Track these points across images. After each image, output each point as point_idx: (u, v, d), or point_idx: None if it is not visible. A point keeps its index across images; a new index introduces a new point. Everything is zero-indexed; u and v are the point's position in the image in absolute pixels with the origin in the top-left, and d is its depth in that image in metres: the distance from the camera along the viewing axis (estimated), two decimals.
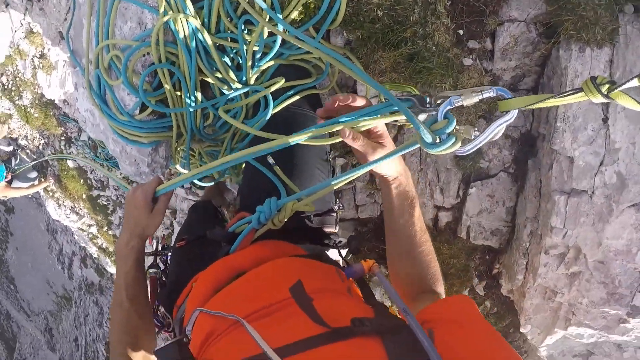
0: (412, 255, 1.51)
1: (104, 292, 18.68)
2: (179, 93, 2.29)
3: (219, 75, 2.24)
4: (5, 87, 7.44)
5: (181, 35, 2.12)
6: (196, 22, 2.10)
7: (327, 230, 1.98)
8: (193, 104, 2.28)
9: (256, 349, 1.01)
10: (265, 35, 2.13)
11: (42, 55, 6.04)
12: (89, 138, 6.80)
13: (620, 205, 2.09)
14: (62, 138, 7.50)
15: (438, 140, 1.13)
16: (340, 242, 1.88)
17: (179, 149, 2.61)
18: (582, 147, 2.09)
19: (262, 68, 2.27)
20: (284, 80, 2.20)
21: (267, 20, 2.02)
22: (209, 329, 1.26)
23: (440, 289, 1.49)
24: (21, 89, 7.21)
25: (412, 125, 1.20)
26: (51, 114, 7.17)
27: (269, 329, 1.10)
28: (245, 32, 2.17)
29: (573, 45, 2.02)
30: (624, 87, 0.84)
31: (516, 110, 1.09)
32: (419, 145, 1.20)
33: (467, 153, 1.16)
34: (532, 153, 2.44)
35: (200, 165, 2.74)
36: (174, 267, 2.20)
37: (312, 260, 1.56)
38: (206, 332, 1.25)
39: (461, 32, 2.12)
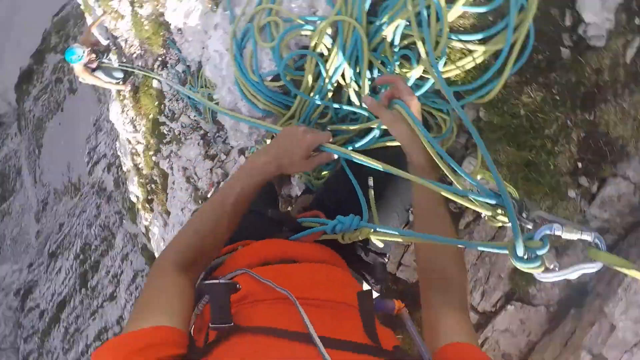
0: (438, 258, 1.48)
1: (110, 202, 18.94)
2: (313, 83, 2.31)
3: (355, 87, 2.25)
4: None
5: (343, 38, 2.14)
6: (362, 34, 2.10)
7: (376, 270, 1.98)
8: (320, 99, 2.30)
9: (300, 327, 1.06)
10: (416, 77, 2.12)
11: None
12: (182, 71, 6.91)
13: None
14: (159, 59, 7.60)
15: (526, 257, 1.11)
16: (374, 282, 1.89)
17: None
18: (628, 322, 2.00)
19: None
20: None
21: (430, 69, 1.99)
22: (249, 290, 1.27)
23: (460, 311, 1.36)
24: (145, 1, 7.35)
25: (497, 224, 1.27)
26: (161, 34, 7.24)
27: (319, 318, 1.11)
28: (398, 63, 2.17)
29: None
30: None
31: (602, 263, 1.04)
32: (505, 252, 1.17)
33: (542, 280, 1.12)
34: (578, 304, 2.35)
35: None
36: None
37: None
38: (245, 292, 1.26)
39: (579, 164, 2.06)
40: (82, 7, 10.46)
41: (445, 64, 2.09)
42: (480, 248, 1.36)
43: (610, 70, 1.83)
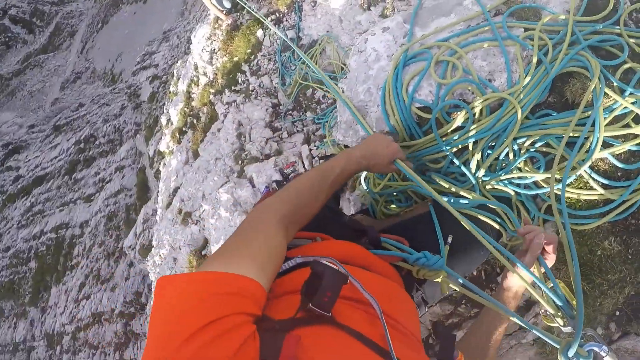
0: None
1: (136, 110, 19.07)
2: (449, 132, 2.49)
3: (478, 157, 2.48)
4: None
5: (502, 114, 2.37)
6: (519, 122, 2.36)
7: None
8: (447, 147, 2.48)
9: (381, 341, 1.17)
10: (536, 179, 2.43)
11: None
12: (291, 38, 6.97)
13: None
14: (276, 14, 7.70)
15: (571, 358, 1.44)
16: None
17: None
18: None
19: (498, 187, 2.55)
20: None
21: (552, 183, 2.25)
22: None
23: None
24: None
25: (552, 323, 1.70)
26: None
27: (395, 339, 1.21)
28: (523, 162, 2.47)
29: None
30: None
31: None
32: (558, 346, 1.53)
33: None
34: None
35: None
36: None
37: None
38: None
39: (618, 312, 2.46)
40: None
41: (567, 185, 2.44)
42: (536, 332, 1.59)
43: None
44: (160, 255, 8.15)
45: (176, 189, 8.32)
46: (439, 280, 1.91)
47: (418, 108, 2.50)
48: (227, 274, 1.07)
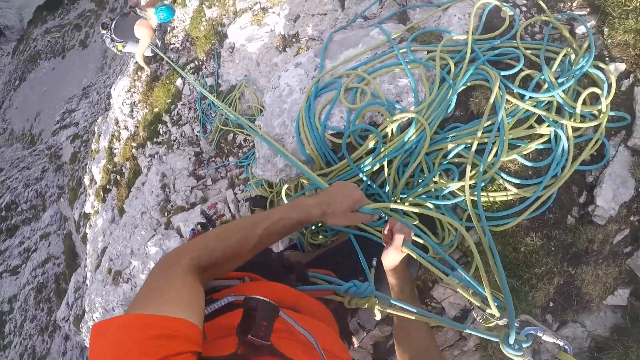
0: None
1: (58, 172, 18.57)
2: (362, 155, 2.59)
3: (392, 176, 2.60)
4: None
5: (411, 133, 2.52)
6: (428, 138, 2.52)
7: (353, 339, 2.16)
8: (363, 173, 2.58)
9: None
10: (452, 189, 2.57)
11: (263, 9, 6.42)
12: (210, 85, 7.10)
13: None
14: (195, 62, 7.81)
15: (513, 347, 1.54)
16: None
17: (305, 182, 2.86)
18: None
19: (417, 202, 2.63)
20: (416, 222, 2.54)
21: (467, 190, 2.44)
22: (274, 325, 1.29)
23: None
24: (216, 4, 7.62)
25: (491, 323, 1.78)
26: (212, 41, 7.48)
27: None
28: (438, 175, 2.61)
29: None
30: None
31: None
32: (497, 339, 1.60)
33: None
34: None
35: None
36: None
37: None
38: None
39: (551, 303, 2.55)
40: None
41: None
42: (475, 333, 1.69)
43: (600, 243, 2.45)
44: (94, 320, 7.86)
45: (104, 249, 8.11)
46: (370, 306, 1.90)
47: (331, 135, 2.59)
48: (158, 316, 1.07)
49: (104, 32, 8.44)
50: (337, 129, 2.57)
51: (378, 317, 1.90)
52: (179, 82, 7.89)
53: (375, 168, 2.60)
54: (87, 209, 11.07)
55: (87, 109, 19.47)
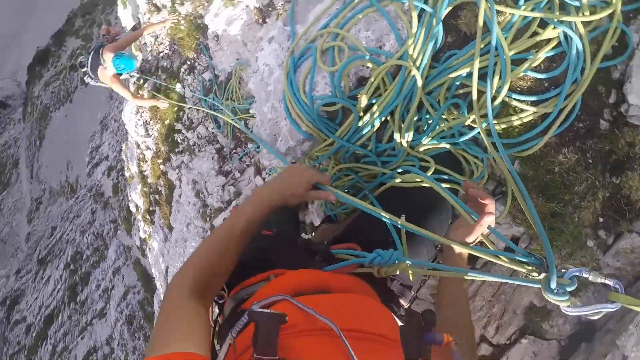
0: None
1: (106, 209, 18.99)
2: (362, 115, 2.42)
3: (402, 125, 2.40)
4: None
5: (402, 80, 2.31)
6: (419, 81, 2.29)
7: (400, 301, 2.05)
8: (367, 130, 2.42)
9: None
10: (464, 123, 2.36)
11: None
12: (209, 80, 6.97)
13: None
14: (187, 63, 7.66)
15: (556, 291, 1.42)
16: (402, 315, 1.96)
17: (317, 154, 2.69)
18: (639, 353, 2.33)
19: (432, 145, 2.47)
20: (433, 166, 2.40)
21: (479, 121, 2.24)
22: (292, 320, 1.28)
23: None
24: None
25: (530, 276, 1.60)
26: (195, 36, 7.33)
27: (363, 351, 1.16)
28: (447, 110, 2.40)
29: None
30: None
31: (620, 304, 1.32)
32: (539, 286, 1.50)
33: (568, 313, 1.42)
34: (588, 339, 2.66)
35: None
36: (253, 249, 2.26)
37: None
38: (288, 322, 1.27)
39: (601, 219, 2.40)
40: None
41: (495, 117, 2.34)
42: (516, 282, 1.62)
43: None
44: None
45: (167, 269, 8.23)
46: (402, 271, 1.85)
47: (323, 105, 2.42)
48: (162, 357, 1.13)
49: (82, 70, 8.31)
50: (325, 97, 2.41)
51: (413, 279, 1.89)
52: (178, 87, 7.79)
53: (378, 125, 2.44)
54: (142, 234, 11.24)
55: (112, 139, 19.74)
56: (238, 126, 2.80)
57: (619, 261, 2.46)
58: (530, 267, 1.65)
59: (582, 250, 2.46)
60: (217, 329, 1.70)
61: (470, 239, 1.83)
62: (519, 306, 2.81)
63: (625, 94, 2.21)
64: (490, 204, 1.82)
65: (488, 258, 1.69)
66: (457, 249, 1.82)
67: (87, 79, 8.37)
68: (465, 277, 1.78)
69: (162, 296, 9.72)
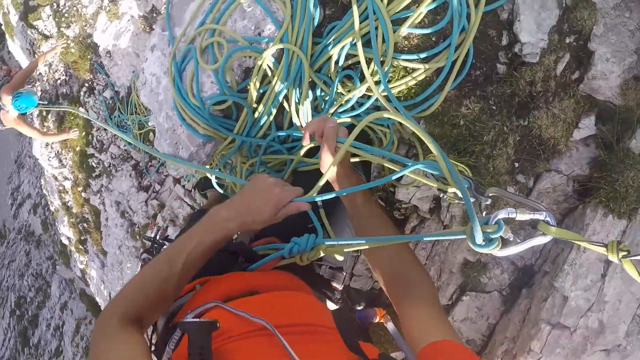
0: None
1: (40, 247, 18.37)
2: (256, 106, 2.34)
3: (299, 108, 2.32)
4: (60, 11, 7.43)
5: (287, 63, 2.22)
6: (305, 61, 2.21)
7: (333, 284, 2.00)
8: (264, 121, 2.35)
9: (285, 358, 1.09)
10: (359, 95, 2.29)
11: (112, 1, 6.05)
12: (110, 97, 6.78)
13: (594, 347, 2.37)
14: (86, 85, 7.43)
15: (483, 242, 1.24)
16: (338, 298, 1.92)
17: (222, 153, 2.61)
18: (578, 291, 2.38)
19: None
20: None
21: (374, 89, 2.15)
22: (226, 325, 1.23)
23: (430, 306, 1.44)
24: (73, 19, 7.19)
25: (455, 202, 1.44)
26: (88, 57, 7.08)
27: (300, 345, 1.12)
28: (340, 83, 2.31)
29: (600, 209, 2.31)
30: (634, 258, 1.08)
31: (552, 236, 1.20)
32: (464, 236, 1.28)
33: (500, 255, 1.25)
34: (528, 284, 2.71)
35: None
36: None
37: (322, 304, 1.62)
38: (221, 328, 1.21)
39: (516, 164, 2.40)
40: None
41: (388, 81, 2.26)
42: (438, 238, 1.57)
43: (542, 82, 2.22)
44: None
45: (110, 295, 8.05)
46: (327, 254, 1.75)
47: (214, 105, 2.32)
48: None
49: None
50: (214, 96, 2.31)
51: (341, 259, 1.75)
52: (82, 110, 7.52)
53: (274, 113, 2.34)
54: (79, 265, 10.96)
55: (30, 175, 19.04)
56: (139, 146, 2.66)
57: (543, 202, 2.45)
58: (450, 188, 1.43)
59: (503, 200, 2.38)
60: (152, 348, 1.58)
61: (327, 169, 1.60)
62: (453, 265, 2.80)
63: (516, 34, 2.20)
64: (325, 121, 1.59)
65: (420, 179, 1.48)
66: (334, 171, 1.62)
67: None
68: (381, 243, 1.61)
69: None
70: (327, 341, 1.29)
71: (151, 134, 5.94)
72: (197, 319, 1.19)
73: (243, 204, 1.55)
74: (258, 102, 2.32)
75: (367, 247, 1.58)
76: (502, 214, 1.24)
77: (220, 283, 1.61)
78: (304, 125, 2.34)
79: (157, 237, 2.54)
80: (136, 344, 1.25)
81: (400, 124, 2.35)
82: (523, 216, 1.23)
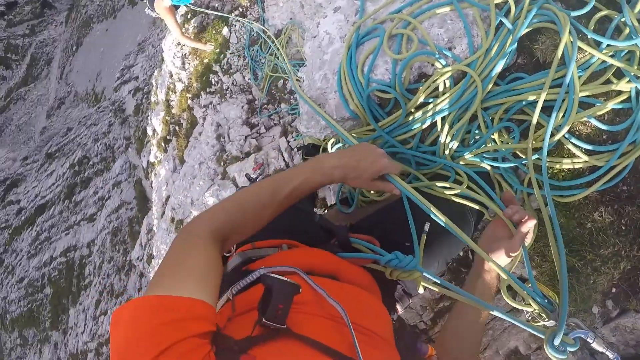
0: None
1: (123, 125, 18.96)
2: (413, 110, 2.30)
3: (446, 135, 2.29)
4: None
5: (464, 88, 2.17)
6: (480, 94, 2.15)
7: (397, 306, 1.99)
8: (415, 127, 2.30)
9: (348, 351, 1.11)
10: (513, 150, 2.23)
11: None
12: (256, 32, 6.84)
13: None
14: (239, 9, 7.54)
15: (558, 348, 1.39)
16: (394, 320, 1.90)
17: (352, 134, 2.60)
18: None
19: (472, 162, 2.34)
20: (466, 182, 2.24)
21: (529, 153, 2.07)
22: (304, 296, 1.24)
23: None
24: None
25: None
26: None
27: (364, 347, 1.14)
28: (498, 131, 2.26)
29: None
30: None
31: None
32: (542, 336, 1.46)
33: None
34: None
35: None
36: None
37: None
38: (299, 297, 1.21)
39: (614, 289, 2.26)
40: None
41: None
42: (517, 324, 1.49)
43: None
44: None
45: (167, 198, 8.20)
46: (414, 280, 1.81)
47: (376, 90, 2.30)
48: (172, 298, 1.04)
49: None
50: (381, 82, 2.28)
51: (421, 291, 1.80)
52: (225, 31, 7.66)
53: (426, 125, 2.28)
54: (152, 158, 11.23)
55: (145, 63, 19.57)
56: (293, 84, 2.66)
57: (615, 337, 2.32)
58: (540, 309, 1.60)
59: (584, 313, 2.34)
60: None
61: (512, 252, 1.71)
62: (503, 347, 2.71)
63: None
64: (530, 220, 1.71)
65: (506, 281, 1.63)
66: (489, 275, 1.72)
67: (147, 11, 8.10)
68: (474, 304, 1.65)
69: (153, 219, 9.72)
70: (386, 354, 1.28)
71: (281, 81, 5.98)
72: (286, 279, 1.19)
73: (352, 159, 1.67)
74: (417, 109, 2.28)
75: (456, 297, 1.64)
76: (582, 334, 1.41)
77: (309, 254, 1.63)
78: (447, 151, 2.31)
79: (257, 180, 2.56)
80: (215, 260, 1.29)
81: (528, 195, 2.28)
82: (597, 346, 1.38)
